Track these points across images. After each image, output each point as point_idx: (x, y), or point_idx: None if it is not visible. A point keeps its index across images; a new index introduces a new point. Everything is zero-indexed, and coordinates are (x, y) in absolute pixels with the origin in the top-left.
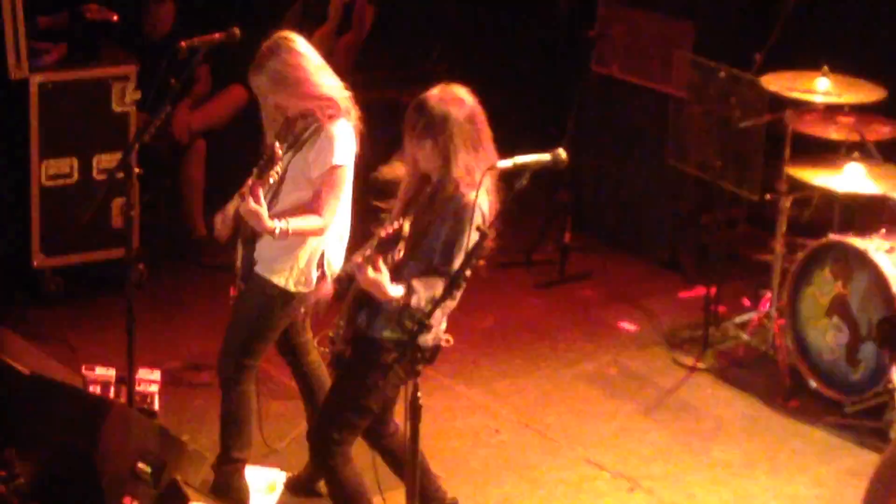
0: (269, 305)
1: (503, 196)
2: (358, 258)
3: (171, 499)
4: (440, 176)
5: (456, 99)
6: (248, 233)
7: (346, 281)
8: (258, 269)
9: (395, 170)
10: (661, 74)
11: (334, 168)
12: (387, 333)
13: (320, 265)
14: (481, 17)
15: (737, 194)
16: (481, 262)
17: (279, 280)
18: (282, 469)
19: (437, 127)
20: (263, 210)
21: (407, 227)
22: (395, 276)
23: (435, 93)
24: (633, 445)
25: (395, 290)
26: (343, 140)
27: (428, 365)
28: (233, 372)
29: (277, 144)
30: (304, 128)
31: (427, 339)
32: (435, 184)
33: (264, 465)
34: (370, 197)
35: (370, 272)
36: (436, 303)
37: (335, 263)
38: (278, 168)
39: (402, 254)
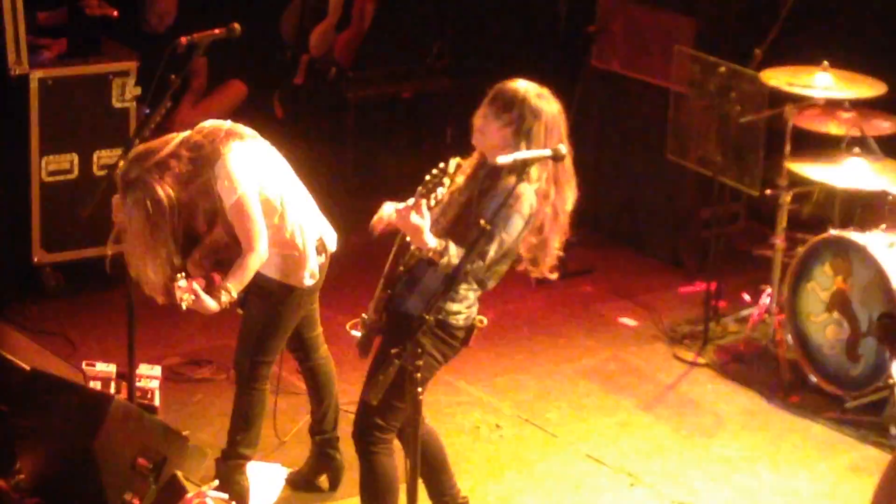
0: (277, 302)
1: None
2: (399, 205)
3: (171, 494)
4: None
5: (548, 99)
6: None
7: (367, 341)
8: (264, 270)
9: None
10: (661, 70)
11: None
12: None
13: (322, 251)
14: (481, 13)
15: (737, 189)
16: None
17: (278, 276)
18: (283, 464)
19: (523, 118)
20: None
21: (453, 163)
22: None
23: (531, 87)
24: (634, 441)
25: (433, 241)
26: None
27: (464, 346)
28: (248, 371)
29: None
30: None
31: (458, 320)
32: (489, 169)
33: (266, 460)
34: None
35: (413, 216)
36: (451, 282)
37: (332, 243)
38: (442, 191)
39: (443, 189)
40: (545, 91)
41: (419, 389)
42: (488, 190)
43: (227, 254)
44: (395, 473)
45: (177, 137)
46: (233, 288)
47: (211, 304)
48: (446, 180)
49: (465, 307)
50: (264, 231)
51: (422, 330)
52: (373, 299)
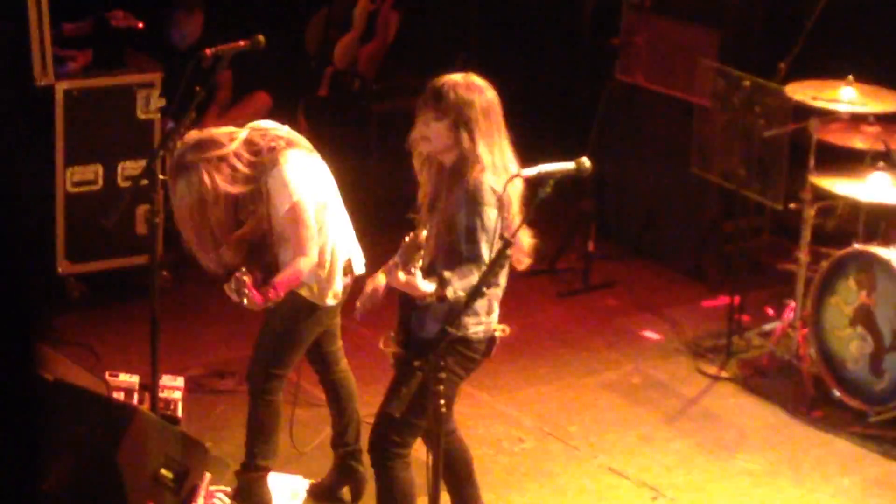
0: (297, 317)
1: (527, 201)
2: (389, 265)
3: None
4: (454, 160)
5: (478, 87)
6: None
7: (403, 359)
8: None
9: None
10: (685, 83)
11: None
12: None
13: (348, 272)
14: (505, 25)
15: (761, 203)
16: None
17: (305, 291)
18: (305, 476)
19: (457, 109)
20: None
21: (423, 234)
22: (428, 275)
23: (458, 78)
24: (656, 454)
25: (428, 286)
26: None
27: (485, 358)
28: (262, 382)
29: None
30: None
31: (478, 332)
32: (449, 170)
33: (287, 471)
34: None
35: (401, 274)
36: (468, 302)
37: (360, 265)
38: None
39: (422, 261)
40: (474, 79)
41: (441, 402)
42: (453, 189)
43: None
44: (412, 487)
45: (239, 134)
46: (281, 288)
47: (257, 300)
48: (422, 247)
49: (482, 318)
50: (316, 237)
51: (444, 342)
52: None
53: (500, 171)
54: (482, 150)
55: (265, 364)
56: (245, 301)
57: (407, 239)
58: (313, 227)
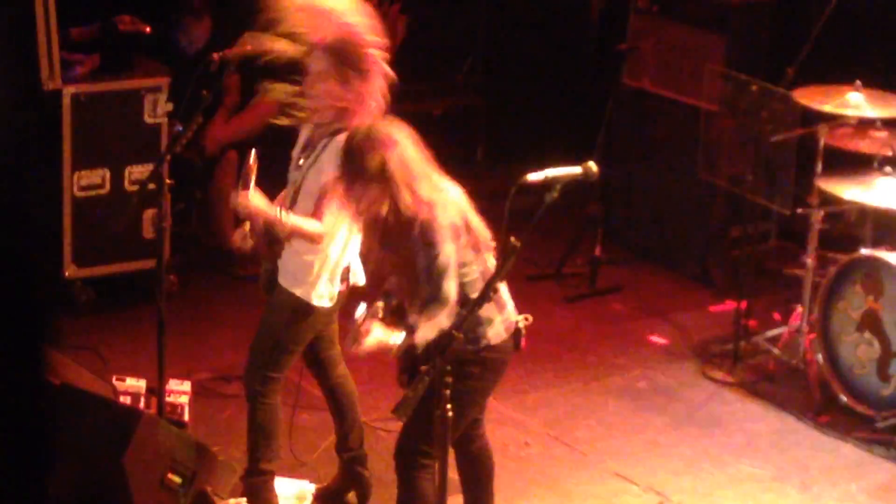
0: (293, 318)
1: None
2: (350, 336)
3: None
4: (393, 213)
5: (385, 141)
6: (270, 245)
7: (409, 365)
8: (281, 280)
9: None
10: (692, 88)
11: (331, 179)
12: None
13: (345, 278)
14: (513, 30)
15: (768, 208)
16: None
17: (301, 293)
18: (311, 481)
19: (375, 174)
20: (261, 202)
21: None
22: (397, 315)
23: (361, 140)
24: (663, 459)
25: (397, 338)
26: None
27: (516, 351)
28: (259, 385)
29: (253, 153)
30: (320, 137)
31: (500, 333)
32: (391, 223)
33: (294, 476)
34: None
35: (365, 342)
36: (470, 312)
37: (360, 276)
38: (252, 177)
39: (381, 313)
40: (376, 135)
41: (448, 406)
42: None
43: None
44: (434, 497)
45: None
46: (289, 219)
47: (270, 213)
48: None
49: (496, 320)
50: (339, 220)
51: (451, 346)
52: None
53: (442, 202)
54: (414, 193)
55: (260, 367)
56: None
57: (359, 314)
58: (339, 211)
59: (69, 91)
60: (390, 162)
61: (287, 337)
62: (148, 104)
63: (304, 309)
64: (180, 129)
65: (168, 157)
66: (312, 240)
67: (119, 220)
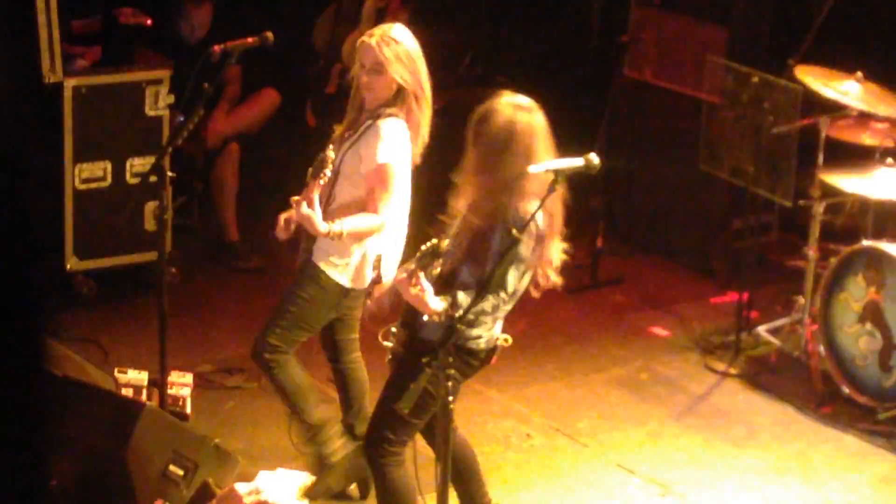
0: (320, 297)
1: (565, 205)
2: (402, 272)
3: (202, 501)
4: (489, 184)
5: (521, 109)
6: (306, 235)
7: (401, 357)
8: (314, 258)
9: None
10: (693, 79)
11: (381, 166)
12: (437, 336)
13: (376, 266)
14: (514, 23)
15: (769, 200)
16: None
17: (333, 273)
18: (313, 472)
19: (500, 140)
20: (316, 214)
21: (445, 243)
22: (447, 284)
23: (503, 106)
24: (665, 450)
25: (438, 305)
26: (392, 138)
27: (484, 365)
28: (268, 353)
29: (330, 147)
30: (364, 120)
31: (479, 344)
32: (484, 191)
33: (296, 468)
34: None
35: (412, 288)
36: (468, 308)
37: (391, 265)
38: (328, 170)
39: (439, 269)
40: (514, 105)
41: (450, 399)
42: (488, 206)
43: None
44: (409, 484)
45: None
46: (343, 228)
47: (321, 229)
48: (441, 256)
49: (484, 331)
50: (394, 204)
51: (454, 340)
52: (400, 314)
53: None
54: (520, 175)
55: (272, 337)
56: (309, 224)
57: (425, 246)
58: (396, 197)
59: (70, 83)
60: (517, 134)
61: (308, 313)
62: (149, 96)
63: (331, 288)
64: (182, 121)
65: (169, 149)
66: (372, 233)
67: (121, 213)
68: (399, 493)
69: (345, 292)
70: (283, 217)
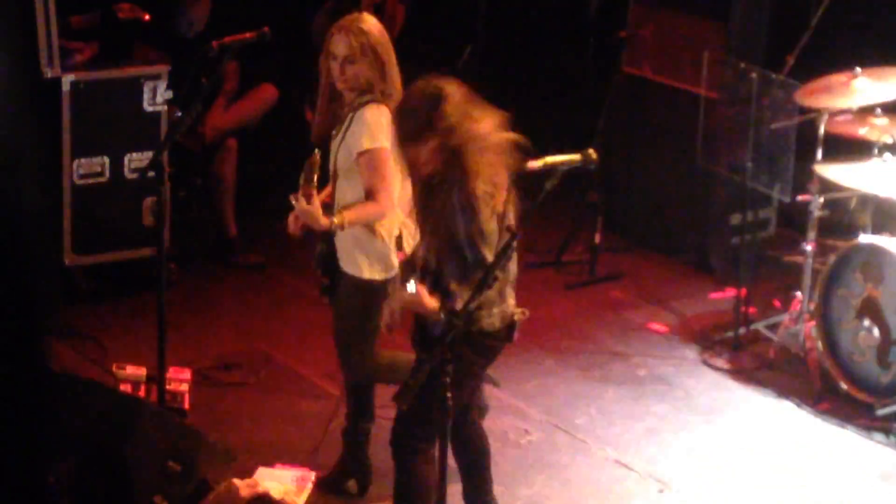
0: (365, 301)
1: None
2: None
3: (200, 497)
4: (442, 172)
5: (444, 90)
6: (320, 233)
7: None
8: (343, 265)
9: None
10: (692, 75)
11: (368, 151)
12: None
13: (400, 248)
14: (512, 16)
15: (768, 195)
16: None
17: (364, 272)
18: (312, 468)
19: (440, 126)
20: (315, 209)
21: (420, 252)
22: (438, 285)
23: (419, 96)
24: (663, 447)
25: (433, 302)
26: (374, 123)
27: (507, 342)
28: (362, 371)
29: (316, 151)
30: (346, 114)
31: (493, 322)
32: (437, 182)
33: (295, 464)
34: None
35: (406, 291)
36: (470, 300)
37: (411, 241)
38: (315, 174)
39: (423, 280)
40: (434, 85)
41: (448, 395)
42: (443, 193)
43: None
44: (433, 481)
45: None
46: (344, 220)
47: (322, 223)
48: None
49: (494, 308)
50: (390, 187)
51: (451, 334)
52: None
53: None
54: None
55: (356, 361)
56: (310, 219)
57: (399, 258)
58: (390, 180)
59: (68, 79)
60: (449, 115)
61: (365, 321)
62: (147, 92)
63: (373, 289)
64: (180, 116)
65: (168, 144)
66: (377, 220)
67: (118, 203)
68: (423, 489)
69: (382, 283)
70: (291, 216)
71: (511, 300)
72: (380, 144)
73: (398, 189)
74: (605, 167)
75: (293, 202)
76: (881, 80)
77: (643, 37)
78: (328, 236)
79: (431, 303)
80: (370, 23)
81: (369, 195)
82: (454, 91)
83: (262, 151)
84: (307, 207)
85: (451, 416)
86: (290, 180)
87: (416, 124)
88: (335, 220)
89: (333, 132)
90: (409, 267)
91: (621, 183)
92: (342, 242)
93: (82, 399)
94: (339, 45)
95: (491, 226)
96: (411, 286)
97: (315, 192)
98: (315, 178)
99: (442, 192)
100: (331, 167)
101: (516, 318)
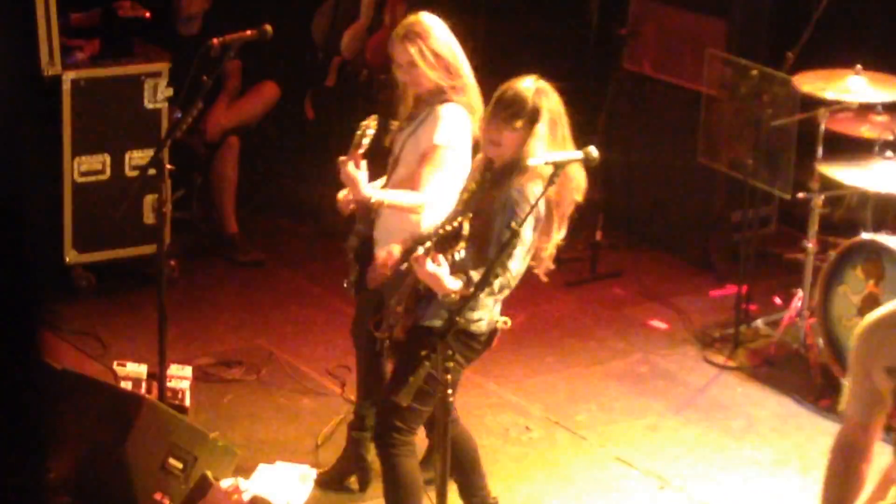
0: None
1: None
2: (419, 251)
3: (201, 494)
4: (507, 163)
5: (550, 94)
6: (362, 215)
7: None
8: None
9: None
10: (692, 72)
11: (435, 146)
12: (438, 322)
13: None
14: (512, 15)
15: (768, 193)
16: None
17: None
18: (312, 465)
19: (530, 117)
20: (361, 177)
21: (467, 226)
22: (459, 269)
23: (532, 83)
24: (664, 443)
25: (454, 283)
26: (451, 121)
27: (486, 348)
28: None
29: (373, 118)
30: (421, 109)
31: (480, 326)
32: (497, 171)
33: (295, 461)
34: None
35: (429, 265)
36: (472, 295)
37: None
38: (367, 140)
39: (462, 253)
40: (545, 86)
41: (449, 391)
42: (496, 191)
43: None
44: (417, 474)
45: None
46: (385, 198)
47: (365, 192)
48: (464, 239)
49: (485, 313)
50: (440, 184)
51: (452, 331)
52: (395, 299)
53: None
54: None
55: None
56: (353, 186)
57: (449, 226)
58: (444, 179)
59: (69, 77)
60: (542, 114)
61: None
62: (148, 89)
63: None
64: (180, 114)
65: (168, 142)
66: (412, 210)
67: (120, 206)
68: (408, 485)
69: None
70: (340, 194)
71: (498, 308)
72: (449, 143)
73: (449, 192)
74: (605, 165)
75: (340, 165)
76: (881, 82)
77: (644, 34)
78: (369, 220)
79: (452, 282)
80: (424, 25)
81: (416, 184)
82: (556, 96)
83: (264, 149)
84: (354, 173)
85: (449, 413)
86: (291, 179)
87: (517, 110)
88: (376, 195)
89: (402, 124)
90: (453, 238)
91: (622, 180)
92: (382, 233)
93: (83, 396)
94: (399, 53)
95: (531, 234)
96: (421, 251)
97: (362, 159)
98: (365, 144)
99: (505, 182)
100: (392, 155)
101: (499, 325)
